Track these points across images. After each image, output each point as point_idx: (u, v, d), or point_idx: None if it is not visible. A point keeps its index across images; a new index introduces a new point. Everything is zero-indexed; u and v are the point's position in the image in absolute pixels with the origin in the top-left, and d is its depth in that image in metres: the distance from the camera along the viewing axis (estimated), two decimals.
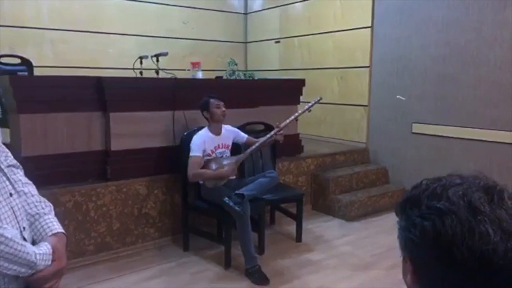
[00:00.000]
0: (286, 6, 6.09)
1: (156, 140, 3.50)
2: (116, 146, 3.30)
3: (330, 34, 5.42)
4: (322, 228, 3.97)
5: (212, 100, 3.18)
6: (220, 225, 3.51)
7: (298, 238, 3.60)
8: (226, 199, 2.99)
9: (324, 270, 3.12)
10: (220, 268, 3.10)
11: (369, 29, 4.91)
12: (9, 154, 1.10)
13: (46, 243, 1.00)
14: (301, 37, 5.87)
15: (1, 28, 4.60)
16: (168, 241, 3.50)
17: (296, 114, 3.36)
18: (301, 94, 4.46)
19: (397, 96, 4.66)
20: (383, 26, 4.79)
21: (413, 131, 4.56)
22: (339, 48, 5.34)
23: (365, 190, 4.53)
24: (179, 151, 3.37)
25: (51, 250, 0.99)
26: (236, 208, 2.93)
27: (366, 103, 5.04)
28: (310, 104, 3.32)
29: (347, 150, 4.95)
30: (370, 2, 4.87)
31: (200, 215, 3.47)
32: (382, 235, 3.74)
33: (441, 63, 4.24)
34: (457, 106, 4.14)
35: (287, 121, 3.26)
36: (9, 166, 1.06)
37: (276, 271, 3.05)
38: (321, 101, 3.43)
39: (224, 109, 3.22)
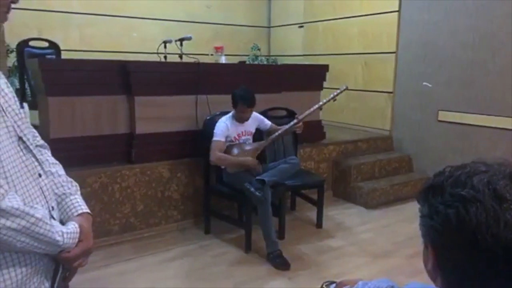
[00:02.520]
0: None
1: (179, 124, 3.54)
2: (141, 130, 3.36)
3: (355, 18, 5.31)
4: (342, 215, 3.96)
5: (241, 104, 3.14)
6: (241, 209, 3.55)
7: (319, 224, 3.61)
8: (247, 184, 3.01)
9: (344, 257, 3.12)
10: (240, 251, 3.14)
11: (396, 13, 4.79)
12: (37, 134, 1.13)
13: (73, 223, 1.04)
14: (325, 22, 5.77)
15: (30, 11, 4.70)
16: (190, 224, 3.57)
17: (320, 103, 3.33)
18: (325, 80, 4.41)
19: (424, 83, 4.55)
20: (410, 11, 4.66)
21: (439, 118, 4.47)
22: (364, 33, 5.23)
23: (387, 178, 4.48)
24: (201, 135, 3.40)
25: (78, 229, 1.02)
26: (257, 193, 2.95)
27: (391, 90, 4.95)
28: (335, 93, 3.27)
29: (370, 137, 4.89)
30: None
31: (222, 199, 3.52)
32: (404, 223, 3.70)
33: (469, 50, 4.11)
34: (485, 94, 4.02)
35: (306, 112, 3.24)
36: (37, 146, 1.09)
37: (296, 256, 3.07)
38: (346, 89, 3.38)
39: (249, 114, 3.20)
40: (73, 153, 3.03)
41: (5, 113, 0.93)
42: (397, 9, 4.78)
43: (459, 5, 4.17)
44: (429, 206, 0.65)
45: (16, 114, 0.98)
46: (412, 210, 2.98)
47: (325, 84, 4.41)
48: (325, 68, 4.40)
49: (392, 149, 4.93)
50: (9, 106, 0.96)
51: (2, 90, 0.96)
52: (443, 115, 4.42)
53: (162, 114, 3.44)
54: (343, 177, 4.38)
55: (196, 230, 3.50)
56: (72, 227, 1.01)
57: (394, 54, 4.87)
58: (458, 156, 4.16)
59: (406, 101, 4.80)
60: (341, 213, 3.99)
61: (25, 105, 3.15)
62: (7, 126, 0.92)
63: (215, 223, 3.45)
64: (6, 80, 1.01)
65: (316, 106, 3.30)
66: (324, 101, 3.33)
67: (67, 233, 0.97)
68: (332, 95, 3.29)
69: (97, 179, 3.14)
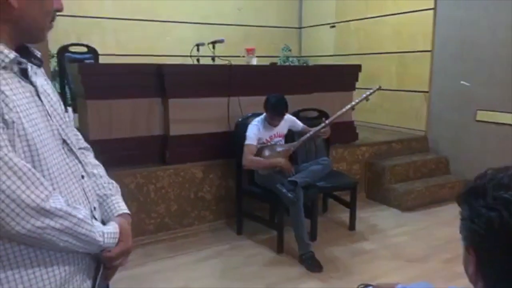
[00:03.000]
0: None
1: (211, 125, 3.59)
2: (175, 131, 3.43)
3: (388, 17, 5.22)
4: (376, 217, 3.89)
5: (271, 113, 3.15)
6: (272, 210, 3.55)
7: (352, 227, 3.57)
8: (279, 185, 3.02)
9: (378, 260, 3.07)
10: (273, 252, 3.15)
11: (432, 11, 4.67)
12: (80, 137, 1.18)
13: (113, 223, 1.07)
14: (358, 21, 5.69)
15: (69, 18, 4.89)
16: (222, 224, 3.61)
17: (352, 103, 3.28)
18: (357, 80, 4.35)
19: (461, 82, 4.41)
20: (447, 8, 4.53)
21: (478, 119, 4.31)
22: (398, 32, 5.13)
23: (423, 180, 4.37)
24: (233, 136, 3.43)
25: (118, 230, 1.05)
26: (289, 194, 2.95)
27: (426, 89, 4.83)
28: (368, 93, 3.22)
29: (405, 138, 4.79)
30: None
31: (254, 200, 3.54)
32: (440, 226, 3.60)
33: (510, 47, 3.95)
34: None
35: (335, 116, 3.20)
36: (80, 149, 1.13)
37: (328, 258, 3.05)
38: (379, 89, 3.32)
39: (279, 122, 3.21)
40: (111, 155, 3.12)
41: (50, 117, 0.97)
42: (432, 6, 4.66)
43: (498, 2, 4.01)
44: (470, 209, 0.64)
45: (61, 118, 1.02)
46: (449, 213, 2.91)
47: (357, 84, 4.35)
48: (357, 68, 4.34)
49: (427, 150, 4.81)
50: (55, 110, 1.00)
51: (48, 95, 1.00)
52: (482, 115, 4.27)
53: (195, 116, 3.50)
54: (377, 179, 4.31)
55: (228, 230, 3.53)
56: (112, 227, 1.04)
57: (429, 53, 4.74)
58: (497, 157, 3.99)
59: (442, 100, 4.66)
60: (374, 216, 3.93)
61: (70, 109, 3.28)
62: (52, 130, 0.96)
63: (247, 224, 3.47)
64: (51, 85, 1.06)
65: (347, 107, 3.25)
66: (356, 101, 3.28)
67: (107, 233, 1.01)
68: (364, 95, 3.24)
69: (133, 179, 3.23)
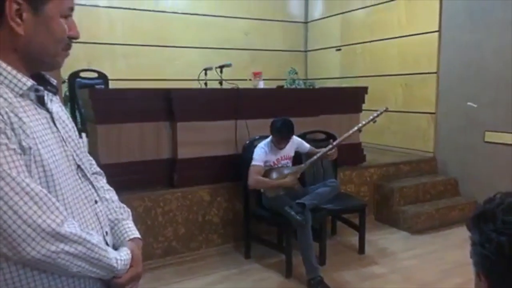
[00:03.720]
0: (347, 13, 6.02)
1: (219, 148, 3.61)
2: (183, 154, 3.46)
3: (393, 40, 5.28)
4: (386, 240, 3.84)
5: (278, 137, 3.17)
6: (280, 233, 3.52)
7: (361, 250, 3.52)
8: (287, 207, 3.00)
9: (388, 285, 3.01)
10: (281, 277, 3.11)
11: (436, 33, 4.72)
12: (93, 162, 1.20)
13: (126, 248, 1.07)
14: (363, 44, 5.76)
15: (79, 44, 4.98)
16: (230, 248, 3.58)
17: (359, 125, 3.29)
18: (364, 102, 4.38)
19: (468, 103, 4.41)
20: (451, 30, 4.58)
21: (486, 140, 4.29)
22: (403, 54, 5.18)
23: (432, 202, 4.32)
24: (241, 159, 3.45)
25: (130, 256, 1.05)
26: (297, 217, 2.93)
27: (433, 111, 4.83)
28: (374, 115, 3.23)
29: (413, 159, 4.76)
30: (437, 6, 4.68)
31: (261, 223, 3.51)
32: (451, 249, 3.54)
33: None
34: None
35: (342, 137, 3.20)
36: (93, 173, 1.15)
37: (338, 283, 3.00)
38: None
39: (284, 145, 3.22)
40: (119, 178, 3.13)
41: (65, 142, 1.00)
42: (437, 29, 4.71)
43: (502, 24, 4.05)
44: (480, 233, 0.64)
45: (76, 144, 1.05)
46: (460, 236, 2.87)
47: (364, 106, 4.37)
48: (363, 90, 4.37)
49: (436, 172, 4.77)
50: (69, 136, 1.03)
51: (63, 121, 1.03)
52: (490, 136, 4.25)
53: (202, 139, 3.53)
54: (385, 201, 4.27)
55: (236, 254, 3.50)
56: (125, 253, 1.05)
57: (435, 75, 4.77)
58: (507, 178, 3.96)
59: (449, 122, 4.66)
60: (384, 238, 3.87)
61: (83, 135, 3.34)
62: (67, 156, 0.99)
63: (255, 248, 3.44)
64: (66, 112, 1.09)
65: (354, 129, 3.26)
66: (363, 123, 3.29)
67: (120, 259, 1.01)
68: (371, 117, 3.24)
69: (141, 203, 3.23)
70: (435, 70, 4.77)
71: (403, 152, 5.06)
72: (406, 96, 5.18)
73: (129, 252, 1.06)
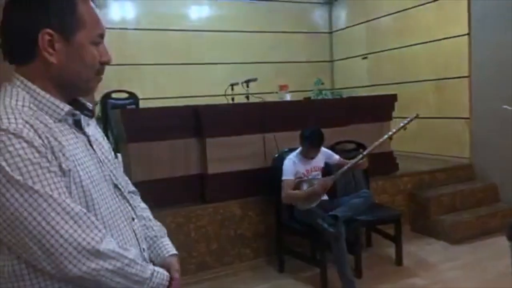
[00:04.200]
0: (372, 21, 5.97)
1: (248, 162, 3.61)
2: (212, 170, 3.48)
3: (422, 45, 5.18)
4: (424, 251, 3.71)
5: (309, 145, 3.14)
6: (314, 246, 3.47)
7: (398, 262, 3.41)
8: (319, 220, 2.96)
9: None
10: None
11: (467, 36, 4.59)
12: (129, 182, 1.24)
13: (163, 270, 1.07)
14: (390, 51, 5.68)
15: (110, 66, 5.15)
16: (263, 262, 3.55)
17: (390, 133, 3.20)
18: (393, 110, 4.29)
19: (503, 106, 4.24)
20: (482, 33, 4.45)
21: None
22: (433, 58, 5.06)
23: (472, 210, 4.15)
24: (270, 172, 3.43)
25: (167, 276, 1.05)
26: (331, 229, 2.88)
27: (467, 115, 4.68)
28: (405, 122, 3.14)
29: (448, 166, 4.61)
30: (466, 8, 4.57)
31: (294, 236, 3.47)
32: (495, 259, 3.37)
33: None
34: None
35: (372, 147, 3.13)
36: (129, 192, 1.18)
37: None
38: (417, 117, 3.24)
39: (316, 154, 3.19)
40: (151, 195, 3.16)
41: (102, 163, 1.04)
42: (467, 32, 4.59)
43: None
44: None
45: (112, 164, 1.09)
46: (503, 244, 2.73)
47: (395, 114, 4.28)
48: (392, 97, 4.29)
49: (474, 178, 4.59)
50: (106, 157, 1.07)
51: (100, 143, 1.08)
52: None
53: (232, 153, 3.54)
54: (422, 210, 4.13)
55: (269, 268, 3.46)
56: (162, 270, 1.06)
57: (467, 78, 4.63)
58: None
59: (485, 125, 4.49)
60: (422, 249, 3.74)
61: (119, 155, 3.44)
62: (104, 176, 1.03)
63: (288, 261, 3.40)
64: (102, 134, 1.14)
65: (385, 137, 3.17)
66: (393, 130, 3.20)
67: (157, 271, 1.03)
68: (401, 124, 3.16)
69: (174, 219, 3.26)
70: (467, 74, 4.63)
71: (437, 159, 4.91)
72: (438, 102, 5.05)
73: (166, 273, 1.06)
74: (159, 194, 3.28)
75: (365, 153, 3.13)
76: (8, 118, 0.87)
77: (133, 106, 4.37)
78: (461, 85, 4.70)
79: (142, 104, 4.65)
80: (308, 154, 3.18)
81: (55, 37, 0.93)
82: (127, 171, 3.29)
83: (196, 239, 3.34)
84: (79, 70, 0.97)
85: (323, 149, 3.29)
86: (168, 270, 1.08)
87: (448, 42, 4.82)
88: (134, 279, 0.96)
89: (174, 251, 1.18)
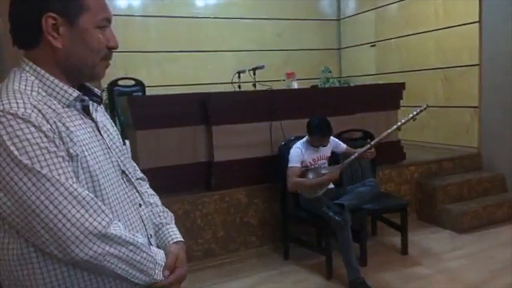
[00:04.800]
0: (381, 8, 5.89)
1: (255, 150, 3.61)
2: (219, 157, 3.48)
3: (431, 33, 5.10)
4: (429, 240, 3.71)
5: (318, 134, 3.10)
6: (319, 234, 3.48)
7: (404, 251, 3.41)
8: (325, 208, 2.96)
9: (434, 286, 2.91)
10: (321, 278, 3.07)
11: (477, 24, 4.52)
12: (137, 168, 1.24)
13: (162, 251, 1.08)
14: (399, 39, 5.61)
15: (116, 53, 5.13)
16: (268, 250, 3.57)
17: (399, 123, 3.16)
18: (401, 99, 4.25)
19: None
20: (493, 21, 4.37)
21: None
22: (442, 47, 4.99)
23: (478, 199, 4.13)
24: (277, 160, 3.43)
25: (164, 260, 1.05)
26: (337, 218, 2.88)
27: (476, 104, 4.63)
28: (414, 113, 3.08)
29: (456, 156, 4.58)
30: None
31: (300, 224, 3.48)
32: (501, 248, 3.37)
33: None
34: None
35: (380, 137, 3.10)
36: (137, 179, 1.19)
37: (380, 284, 2.93)
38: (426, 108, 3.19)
39: (326, 142, 3.16)
40: (158, 182, 3.17)
41: (110, 150, 1.04)
42: (477, 19, 4.51)
43: None
44: None
45: (120, 151, 1.09)
46: (510, 234, 2.73)
47: (403, 102, 4.25)
48: (401, 86, 4.25)
49: (481, 168, 4.56)
50: (114, 143, 1.07)
51: (108, 129, 1.08)
52: None
53: (238, 141, 3.54)
54: (428, 200, 4.12)
55: (275, 256, 3.49)
56: (162, 256, 1.05)
57: (477, 67, 4.57)
58: None
59: (494, 115, 4.44)
60: (427, 238, 3.74)
61: (127, 141, 3.46)
62: (112, 162, 1.03)
63: (294, 249, 3.42)
64: (110, 120, 1.14)
65: (393, 128, 3.14)
66: (402, 121, 3.17)
67: (160, 266, 1.02)
68: (411, 115, 3.11)
69: (181, 206, 3.29)
70: (477, 62, 4.57)
71: (445, 148, 4.88)
72: (447, 90, 4.99)
73: (164, 257, 1.06)
74: (166, 181, 3.30)
75: (372, 143, 3.11)
76: (17, 103, 0.88)
77: (140, 94, 4.37)
78: (471, 73, 4.64)
79: (149, 92, 4.65)
80: (317, 143, 3.16)
81: (59, 21, 0.93)
82: (134, 158, 3.29)
83: (202, 226, 3.37)
84: (84, 54, 0.97)
85: (330, 137, 3.27)
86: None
87: (457, 30, 4.75)
88: (139, 267, 0.96)
89: (179, 238, 1.18)
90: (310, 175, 3.12)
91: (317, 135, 3.11)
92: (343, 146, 3.34)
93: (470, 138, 4.72)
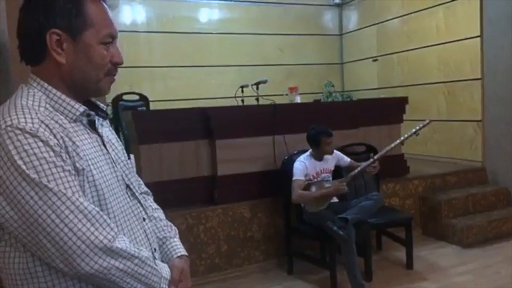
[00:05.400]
0: (383, 23, 5.94)
1: (258, 164, 3.61)
2: (222, 171, 3.49)
3: (433, 47, 5.14)
4: (435, 255, 3.67)
5: (324, 138, 3.11)
6: (323, 249, 3.45)
7: (409, 265, 3.38)
8: (329, 222, 2.94)
9: None
10: None
11: (478, 38, 4.55)
12: (141, 182, 1.24)
13: (165, 265, 1.08)
14: (401, 53, 5.65)
15: (121, 69, 5.19)
16: (272, 264, 3.54)
17: (402, 138, 3.17)
18: (404, 113, 4.26)
19: None
20: (494, 34, 4.40)
21: None
22: (444, 61, 5.02)
23: (484, 214, 4.10)
24: (280, 175, 3.43)
25: (169, 274, 1.05)
26: (340, 232, 2.87)
27: (479, 118, 4.63)
28: (417, 128, 3.09)
29: (460, 169, 4.56)
30: (478, 11, 4.52)
31: (303, 238, 3.46)
32: (507, 264, 3.33)
33: None
34: None
35: (383, 151, 3.11)
36: (141, 193, 1.19)
37: None
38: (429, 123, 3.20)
39: (333, 146, 3.17)
40: (161, 196, 3.17)
41: (115, 164, 1.05)
42: (478, 34, 4.54)
43: None
44: None
45: (125, 165, 1.10)
46: None
47: (406, 116, 4.26)
48: (404, 100, 4.27)
49: (486, 182, 4.54)
50: (119, 158, 1.08)
51: (113, 144, 1.09)
52: None
53: (241, 155, 3.55)
54: (433, 214, 4.09)
55: (278, 270, 3.46)
56: (166, 270, 1.05)
57: (480, 81, 4.58)
58: None
59: (498, 129, 4.44)
60: (433, 253, 3.70)
61: (132, 156, 3.48)
62: (117, 176, 1.04)
63: (298, 264, 3.39)
64: (115, 135, 1.15)
65: (396, 142, 3.14)
66: (405, 136, 3.17)
67: (166, 279, 1.02)
68: (413, 130, 3.11)
69: (184, 220, 3.28)
70: (479, 76, 4.58)
71: (449, 162, 4.86)
72: (449, 104, 5.00)
73: (169, 271, 1.06)
74: (169, 195, 3.30)
75: (376, 157, 3.10)
76: (25, 118, 0.89)
77: (144, 108, 4.40)
78: (473, 88, 4.66)
79: (153, 106, 4.68)
80: (325, 149, 3.13)
81: (63, 37, 0.95)
82: (138, 172, 3.31)
83: (206, 241, 3.35)
84: (87, 70, 0.98)
85: (334, 151, 3.27)
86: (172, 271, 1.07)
87: (459, 44, 4.78)
88: (144, 280, 0.96)
89: (182, 252, 1.18)
90: (313, 189, 3.11)
91: (324, 137, 3.10)
92: (347, 159, 3.33)
93: (474, 152, 4.71)
